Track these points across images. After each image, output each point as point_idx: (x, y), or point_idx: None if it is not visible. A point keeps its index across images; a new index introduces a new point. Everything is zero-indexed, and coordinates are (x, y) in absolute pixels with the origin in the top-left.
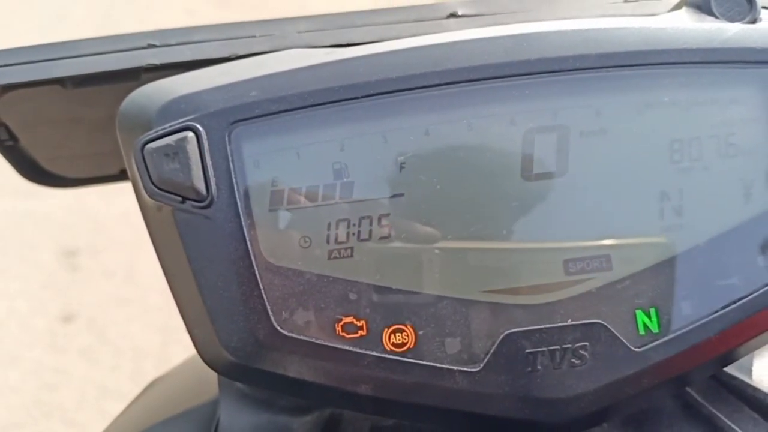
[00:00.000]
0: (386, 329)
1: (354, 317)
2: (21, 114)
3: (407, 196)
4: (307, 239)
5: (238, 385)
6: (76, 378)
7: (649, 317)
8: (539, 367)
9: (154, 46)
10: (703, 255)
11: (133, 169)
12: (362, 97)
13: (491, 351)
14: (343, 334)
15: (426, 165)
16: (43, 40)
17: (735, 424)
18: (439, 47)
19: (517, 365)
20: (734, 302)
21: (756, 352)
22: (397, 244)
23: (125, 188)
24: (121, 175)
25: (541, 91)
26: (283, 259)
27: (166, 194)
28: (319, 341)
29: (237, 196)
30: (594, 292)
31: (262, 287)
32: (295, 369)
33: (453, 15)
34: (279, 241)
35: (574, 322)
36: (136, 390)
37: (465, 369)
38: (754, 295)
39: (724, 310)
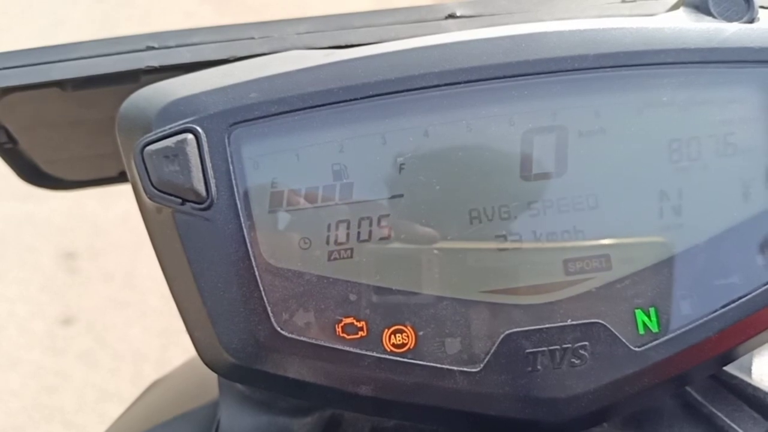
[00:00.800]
0: (386, 330)
1: (354, 318)
2: (20, 117)
3: (407, 196)
4: (306, 240)
5: (239, 386)
6: (75, 381)
7: (649, 317)
8: (539, 366)
9: (153, 48)
10: (702, 254)
11: (133, 172)
12: (361, 98)
13: (491, 351)
14: (344, 335)
15: (425, 166)
16: (42, 44)
17: (735, 423)
18: (438, 48)
19: (517, 365)
20: (733, 301)
21: (755, 351)
22: (396, 244)
23: (124, 191)
24: (121, 178)
25: (540, 92)
26: (283, 261)
27: (166, 196)
28: (319, 342)
29: (237, 198)
30: (593, 291)
31: (262, 289)
32: (295, 370)
33: (451, 16)
34: (279, 242)
35: (573, 322)
36: (136, 393)
37: (465, 369)
38: (753, 294)
39: (724, 310)
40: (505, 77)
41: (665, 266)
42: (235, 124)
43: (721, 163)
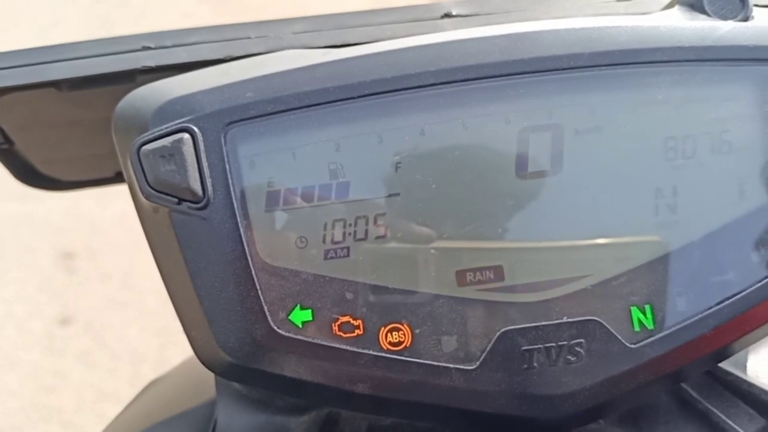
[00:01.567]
0: (383, 328)
1: (351, 317)
2: (16, 117)
3: (403, 195)
4: (303, 239)
5: (236, 385)
6: (73, 381)
7: (644, 314)
8: (535, 364)
9: (149, 48)
10: (697, 251)
11: (130, 171)
12: (358, 97)
13: (487, 349)
14: (340, 333)
15: (421, 164)
16: (38, 44)
17: (730, 419)
18: (434, 47)
19: (514, 362)
20: (729, 298)
21: (751, 347)
22: (393, 243)
23: (122, 191)
24: (117, 178)
25: (536, 90)
26: (280, 260)
27: (163, 196)
28: (316, 341)
29: (233, 197)
30: (589, 289)
31: (258, 288)
32: (292, 369)
33: (447, 15)
34: (275, 241)
35: (569, 320)
36: (134, 393)
37: (461, 367)
38: (748, 290)
39: (719, 306)
40: (501, 76)
41: (661, 263)
42: (231, 123)
43: (716, 161)
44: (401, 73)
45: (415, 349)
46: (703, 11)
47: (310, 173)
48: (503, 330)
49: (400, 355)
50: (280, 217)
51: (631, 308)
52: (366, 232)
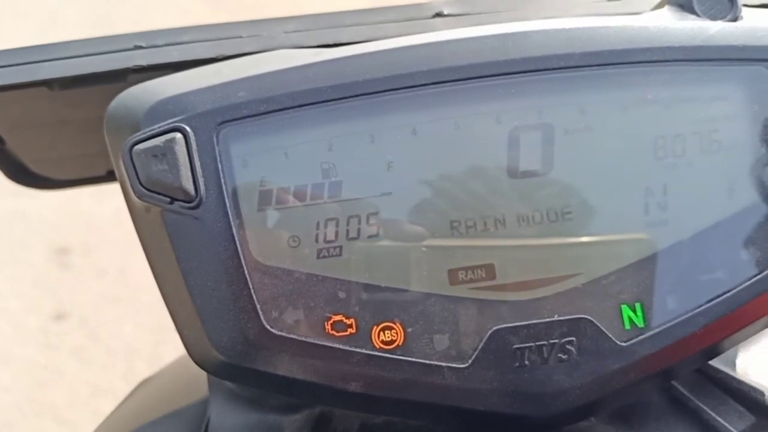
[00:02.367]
0: (375, 327)
1: (343, 315)
2: (8, 116)
3: (395, 194)
4: (295, 238)
5: (228, 384)
6: (68, 377)
7: (635, 312)
8: (527, 362)
9: (141, 47)
10: (687, 250)
11: (122, 171)
12: (350, 96)
13: (479, 347)
14: (333, 332)
15: (413, 164)
16: (35, 42)
17: (720, 416)
18: (426, 47)
19: (505, 361)
20: (719, 296)
21: (740, 345)
22: (385, 242)
23: (116, 188)
24: (109, 177)
25: (526, 90)
26: (272, 259)
27: (155, 195)
28: (308, 340)
29: (225, 197)
30: (580, 287)
31: (251, 287)
32: (285, 368)
33: (439, 15)
34: (268, 240)
35: (560, 318)
36: (129, 389)
37: (454, 365)
38: (738, 289)
39: (709, 305)
40: (492, 76)
41: (651, 262)
42: (223, 122)
43: (705, 160)
44: (393, 73)
45: (408, 348)
46: (692, 11)
47: (302, 172)
48: (495, 328)
49: (393, 354)
50: (273, 216)
51: (622, 306)
52: (358, 231)
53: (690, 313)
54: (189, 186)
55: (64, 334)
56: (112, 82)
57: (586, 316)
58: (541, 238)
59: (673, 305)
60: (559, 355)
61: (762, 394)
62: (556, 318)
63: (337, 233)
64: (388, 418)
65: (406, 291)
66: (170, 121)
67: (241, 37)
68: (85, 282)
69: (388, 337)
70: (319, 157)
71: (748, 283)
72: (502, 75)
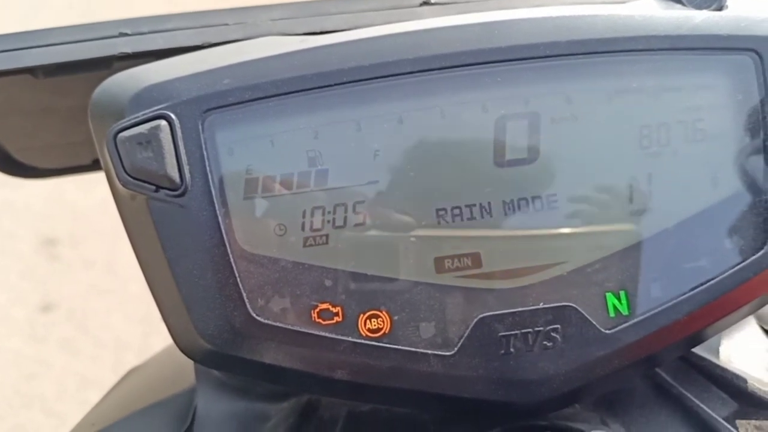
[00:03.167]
0: (362, 315)
1: (330, 304)
2: None
3: (382, 183)
4: (282, 227)
5: (215, 373)
6: (56, 368)
7: (619, 300)
8: (512, 349)
9: (126, 34)
10: (671, 238)
11: (106, 159)
12: (336, 84)
13: (465, 335)
14: (319, 320)
15: (400, 152)
16: (18, 29)
17: (704, 403)
18: (412, 35)
19: (491, 348)
20: (702, 284)
21: (723, 333)
22: (371, 231)
23: (103, 177)
24: (94, 165)
25: (513, 78)
26: (259, 247)
27: (140, 183)
28: (295, 328)
29: (211, 185)
30: (565, 276)
31: (237, 275)
32: (271, 356)
33: (426, 3)
34: (254, 228)
35: (545, 306)
36: (117, 380)
37: (439, 353)
38: (721, 277)
39: (693, 292)
40: (478, 64)
41: (635, 250)
42: (208, 110)
43: (690, 149)
44: (379, 61)
45: (394, 336)
46: (678, 0)
47: (288, 161)
48: (481, 316)
49: (379, 342)
50: (259, 204)
51: (606, 294)
52: (345, 219)
53: (674, 301)
54: (174, 174)
55: (51, 325)
56: (97, 70)
57: (571, 304)
58: (526, 227)
59: (657, 293)
60: (544, 342)
61: (745, 381)
62: (541, 306)
63: (323, 221)
64: (375, 405)
65: (392, 279)
66: (155, 108)
67: (226, 24)
68: (72, 273)
69: (375, 325)
70: (305, 145)
71: (732, 271)
72: (488, 63)
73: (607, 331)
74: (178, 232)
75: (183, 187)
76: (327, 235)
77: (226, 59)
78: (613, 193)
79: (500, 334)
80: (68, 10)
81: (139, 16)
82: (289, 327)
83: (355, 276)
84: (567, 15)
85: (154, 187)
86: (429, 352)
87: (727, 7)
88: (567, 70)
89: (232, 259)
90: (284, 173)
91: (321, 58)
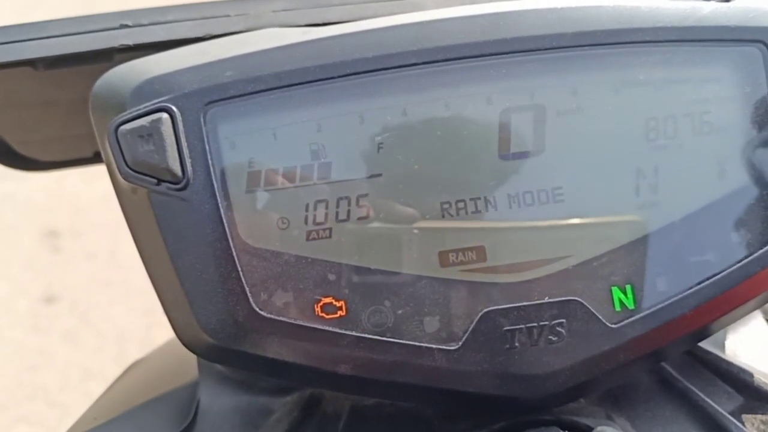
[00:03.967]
0: (365, 309)
1: (333, 298)
2: None
3: (385, 176)
4: (285, 220)
5: (218, 367)
6: (59, 360)
7: (625, 294)
8: (517, 344)
9: (126, 26)
10: (677, 232)
11: (108, 152)
12: (339, 76)
13: (470, 329)
14: (323, 314)
15: (403, 145)
16: (19, 21)
17: (709, 398)
18: (416, 26)
19: (496, 342)
20: (708, 278)
21: (729, 327)
22: (375, 224)
23: (105, 170)
24: (95, 158)
25: (518, 70)
26: (261, 241)
27: (141, 176)
28: (298, 322)
29: (213, 178)
30: (570, 269)
31: (240, 269)
32: (274, 350)
33: None
34: (257, 222)
35: (551, 300)
36: (120, 372)
37: (444, 347)
38: (728, 271)
39: (699, 286)
40: (483, 56)
41: (641, 244)
42: (210, 103)
43: (696, 142)
44: (383, 53)
45: (398, 330)
46: None
47: (291, 153)
48: (485, 310)
49: (383, 336)
50: (262, 197)
51: (612, 288)
52: (348, 212)
53: (680, 295)
54: (176, 167)
55: (54, 317)
56: (98, 62)
57: (576, 298)
58: (531, 220)
59: (664, 287)
60: (549, 336)
61: (751, 375)
62: (546, 300)
63: (326, 215)
64: (379, 400)
65: (396, 273)
66: (157, 101)
67: (228, 15)
68: (75, 265)
69: (379, 319)
70: (308, 138)
71: (738, 265)
72: (493, 55)
73: (613, 326)
74: (180, 225)
75: (185, 181)
76: (330, 229)
77: (228, 51)
78: (619, 186)
79: (505, 328)
80: (69, 1)
81: (140, 7)
82: (293, 321)
83: (359, 270)
84: (573, 6)
85: (155, 181)
86: (433, 346)
87: None
88: (573, 62)
89: (234, 253)
90: (287, 166)
91: (324, 49)
